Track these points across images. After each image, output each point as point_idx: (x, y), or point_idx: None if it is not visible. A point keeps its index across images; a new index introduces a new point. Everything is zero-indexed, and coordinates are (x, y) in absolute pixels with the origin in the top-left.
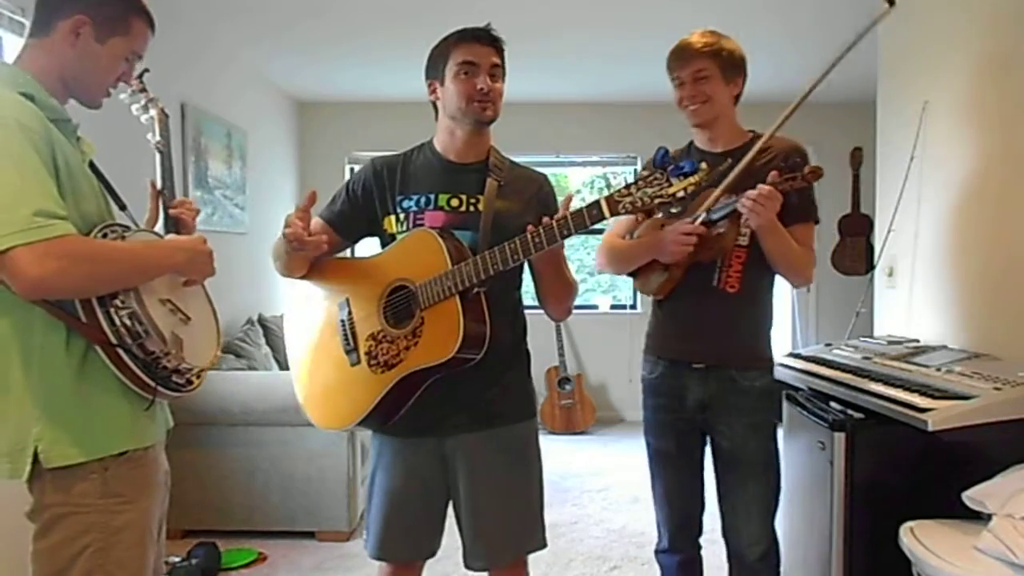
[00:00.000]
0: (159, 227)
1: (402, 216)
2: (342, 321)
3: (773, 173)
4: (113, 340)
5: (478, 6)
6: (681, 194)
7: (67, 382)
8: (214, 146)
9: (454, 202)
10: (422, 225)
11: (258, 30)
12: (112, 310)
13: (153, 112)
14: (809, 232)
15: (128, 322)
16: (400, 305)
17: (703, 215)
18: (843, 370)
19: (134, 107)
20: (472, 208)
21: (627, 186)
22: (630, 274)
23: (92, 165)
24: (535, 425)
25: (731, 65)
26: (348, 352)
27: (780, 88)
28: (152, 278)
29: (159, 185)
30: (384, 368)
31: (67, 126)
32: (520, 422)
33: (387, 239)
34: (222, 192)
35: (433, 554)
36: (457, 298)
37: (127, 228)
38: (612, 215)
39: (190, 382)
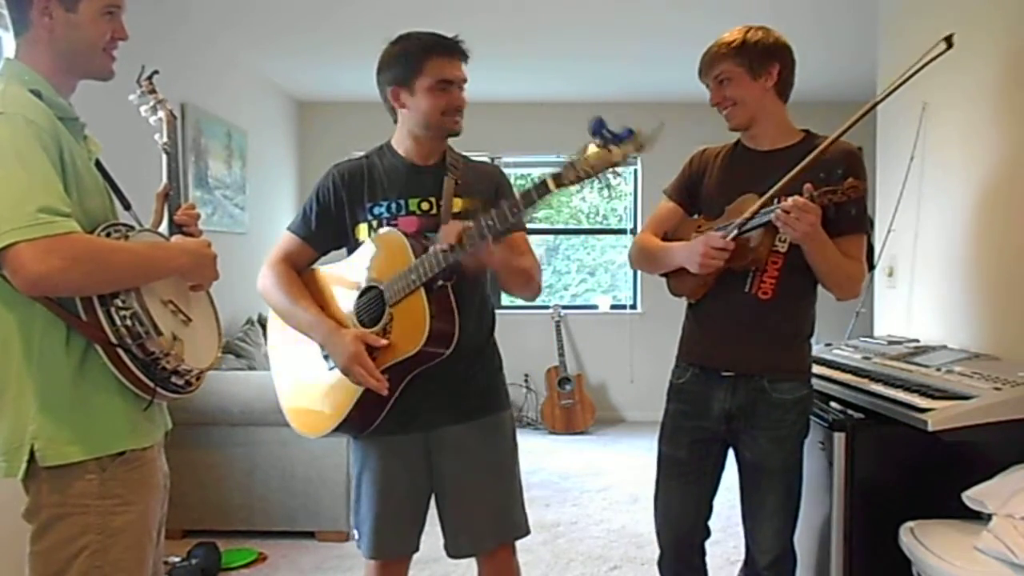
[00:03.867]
0: (163, 228)
1: (374, 224)
2: None
3: (808, 185)
4: (113, 340)
5: (477, 7)
6: (620, 160)
7: (66, 380)
8: (214, 146)
9: (424, 205)
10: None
11: (258, 31)
12: (113, 309)
13: (162, 113)
14: (859, 244)
15: (129, 322)
16: (372, 306)
17: (735, 229)
18: (843, 370)
19: (143, 108)
20: (441, 211)
21: (571, 160)
22: (663, 274)
23: (98, 164)
24: (511, 415)
25: (758, 58)
26: (325, 357)
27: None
28: (155, 280)
29: (165, 186)
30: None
31: (74, 124)
32: (497, 412)
33: (356, 248)
34: (222, 192)
35: (417, 549)
36: (422, 291)
37: (131, 228)
38: (558, 188)
39: (189, 383)
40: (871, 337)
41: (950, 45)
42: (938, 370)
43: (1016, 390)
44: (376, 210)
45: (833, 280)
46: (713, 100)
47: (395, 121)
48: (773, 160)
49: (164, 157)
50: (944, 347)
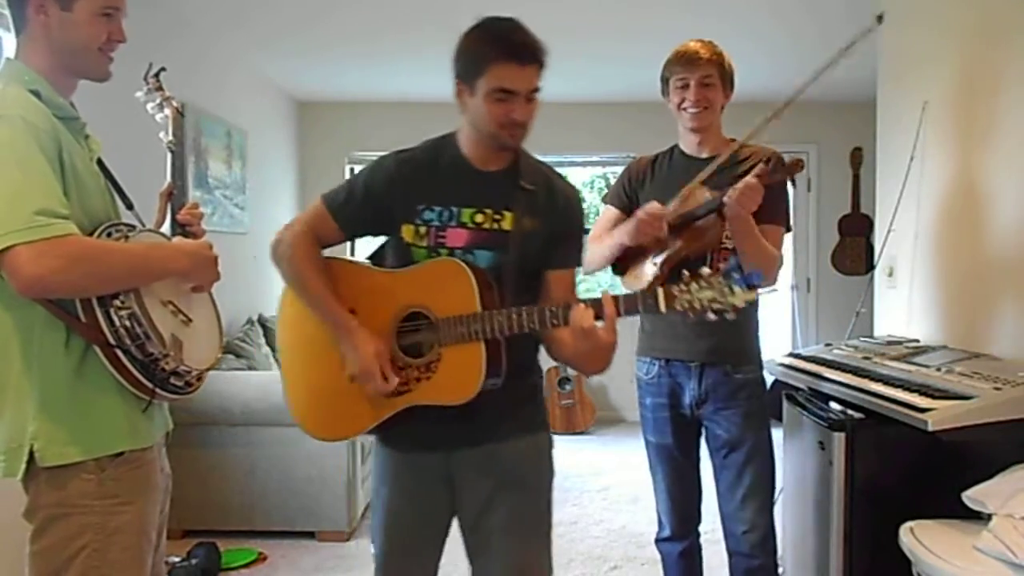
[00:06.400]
0: (166, 228)
1: (423, 230)
2: None
3: (761, 166)
4: (111, 341)
5: (477, 8)
6: (741, 305)
7: (65, 381)
8: (214, 146)
9: (478, 218)
10: (443, 241)
11: (258, 31)
12: (112, 310)
13: (168, 111)
14: (779, 234)
15: (127, 323)
16: (414, 332)
17: (689, 211)
18: (843, 370)
19: (149, 105)
20: (496, 225)
21: (686, 281)
22: (618, 272)
23: (100, 163)
24: (547, 438)
25: (730, 76)
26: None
27: (779, 88)
28: (153, 281)
29: (169, 184)
30: (390, 393)
31: (74, 124)
32: (530, 435)
33: (400, 247)
34: (222, 192)
35: (434, 574)
36: (482, 344)
37: (132, 227)
38: (667, 308)
39: (189, 384)
40: (871, 337)
41: (880, 20)
42: (938, 370)
43: (1016, 390)
44: (427, 215)
45: (757, 261)
46: (693, 97)
47: (462, 113)
48: (711, 165)
49: (168, 155)
50: (944, 347)
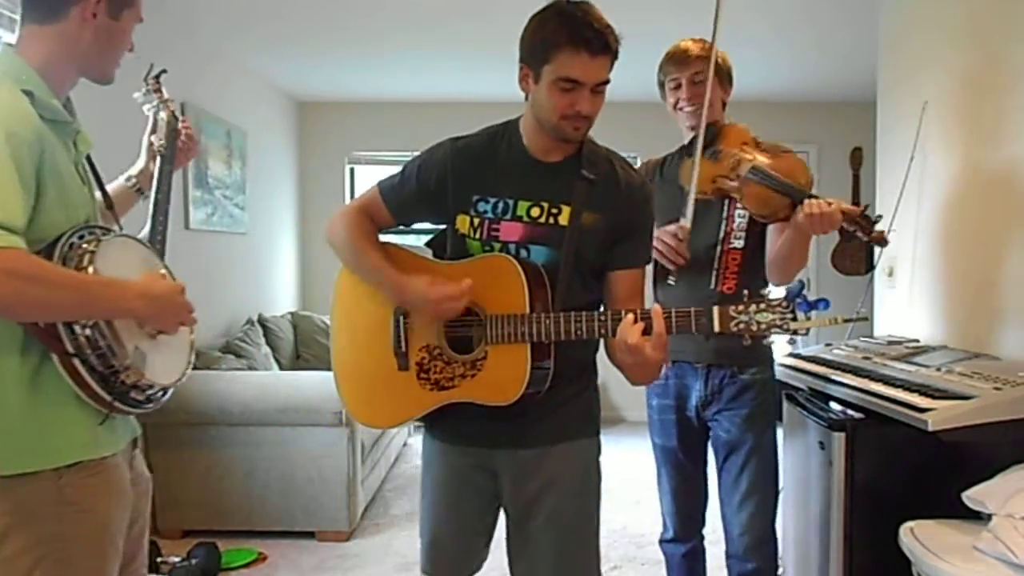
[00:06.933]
0: (147, 231)
1: (476, 221)
2: (397, 320)
3: (853, 208)
4: (70, 349)
5: (479, 7)
6: (804, 331)
7: (20, 390)
8: (214, 146)
9: (534, 211)
10: (496, 235)
11: (258, 30)
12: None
13: (163, 115)
14: None
15: (89, 332)
16: (462, 328)
17: (779, 178)
18: (843, 370)
19: (146, 107)
20: (552, 220)
21: (745, 303)
22: None
23: (88, 159)
24: (597, 444)
25: (725, 72)
26: (398, 355)
27: (774, 87)
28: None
29: (155, 190)
30: (435, 387)
31: (64, 128)
32: (577, 440)
33: (455, 237)
34: (222, 192)
35: (478, 568)
36: (528, 348)
37: (107, 231)
38: (721, 329)
39: (151, 399)
40: (871, 337)
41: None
42: (938, 370)
43: (1016, 390)
44: (481, 206)
45: (793, 265)
46: (687, 95)
47: (527, 99)
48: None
49: (158, 159)
50: (944, 347)
